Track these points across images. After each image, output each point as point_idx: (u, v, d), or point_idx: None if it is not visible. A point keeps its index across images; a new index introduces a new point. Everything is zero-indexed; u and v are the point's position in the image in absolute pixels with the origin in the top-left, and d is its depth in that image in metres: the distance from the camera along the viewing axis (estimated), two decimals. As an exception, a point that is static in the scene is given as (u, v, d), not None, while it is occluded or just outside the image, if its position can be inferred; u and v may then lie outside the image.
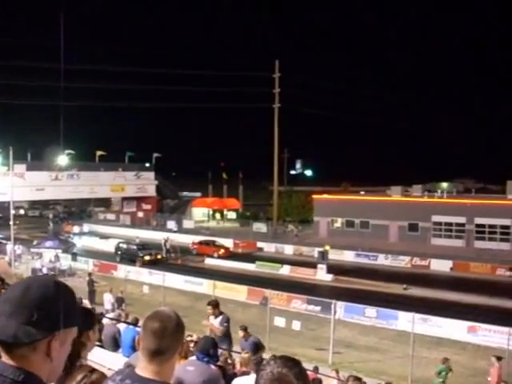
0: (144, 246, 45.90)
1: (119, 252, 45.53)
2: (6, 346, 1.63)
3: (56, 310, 1.67)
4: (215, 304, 12.83)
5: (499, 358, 16.83)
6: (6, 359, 1.65)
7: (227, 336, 12.94)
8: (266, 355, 12.08)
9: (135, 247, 45.38)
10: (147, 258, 43.08)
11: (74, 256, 40.75)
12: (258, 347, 13.17)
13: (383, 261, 44.44)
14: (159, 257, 44.54)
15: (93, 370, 3.29)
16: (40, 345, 1.65)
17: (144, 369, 2.30)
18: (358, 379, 10.48)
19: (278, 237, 57.54)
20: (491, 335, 22.52)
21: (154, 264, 40.97)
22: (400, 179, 68.27)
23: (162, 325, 2.31)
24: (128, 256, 43.74)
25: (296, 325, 23.71)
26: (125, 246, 46.40)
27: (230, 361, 10.89)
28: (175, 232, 58.44)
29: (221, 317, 12.68)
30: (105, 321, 14.13)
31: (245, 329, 13.69)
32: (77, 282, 34.53)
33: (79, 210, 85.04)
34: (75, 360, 3.28)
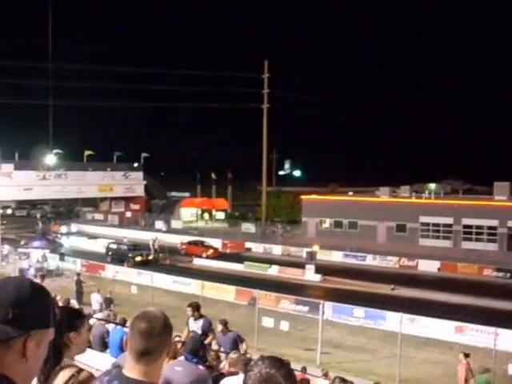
0: (135, 247, 45.35)
1: (110, 253, 44.80)
2: None
3: (31, 309, 1.68)
4: (196, 306, 12.55)
5: (466, 355, 17.17)
6: None
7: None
8: (254, 356, 12.06)
9: (126, 248, 44.75)
10: (138, 258, 42.71)
11: (62, 256, 40.55)
12: (237, 343, 12.91)
13: (371, 261, 44.58)
14: (150, 257, 44.13)
15: (80, 370, 3.27)
16: (15, 344, 1.65)
17: (131, 369, 2.30)
18: (344, 381, 10.51)
19: (266, 237, 57.59)
20: (478, 335, 22.66)
21: (144, 265, 40.55)
22: (388, 180, 68.50)
23: (150, 325, 2.31)
24: (119, 257, 43.20)
25: (284, 325, 23.72)
26: (115, 246, 45.71)
27: (215, 362, 10.86)
28: (165, 232, 58.24)
29: (201, 320, 12.40)
30: (93, 321, 14.09)
31: (224, 323, 13.34)
32: (64, 282, 34.43)
33: (67, 210, 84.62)
34: (58, 361, 3.26)
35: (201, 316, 12.42)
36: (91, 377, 3.22)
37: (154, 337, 2.29)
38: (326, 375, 15.64)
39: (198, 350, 5.37)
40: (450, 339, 23.25)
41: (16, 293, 1.68)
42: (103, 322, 13.90)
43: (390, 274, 40.34)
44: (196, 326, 12.12)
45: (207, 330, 12.23)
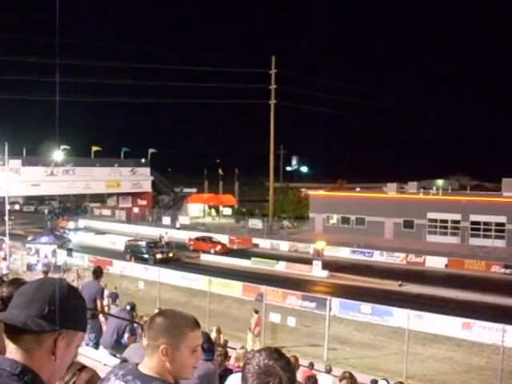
0: (155, 244, 44.74)
1: (128, 250, 43.63)
2: (13, 335, 1.68)
3: (66, 308, 1.73)
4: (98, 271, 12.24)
5: (256, 312, 22.72)
6: (8, 353, 1.69)
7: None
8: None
9: (145, 245, 43.77)
10: (159, 256, 41.98)
11: (70, 252, 40.62)
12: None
13: (378, 257, 44.49)
14: (171, 254, 43.44)
15: (82, 368, 3.22)
16: (46, 340, 1.69)
17: (145, 365, 2.30)
18: (352, 376, 10.52)
19: (273, 233, 57.56)
20: (486, 332, 22.57)
21: (166, 262, 40.03)
22: (395, 176, 68.33)
23: (164, 321, 2.32)
24: (138, 254, 42.23)
25: (291, 321, 23.73)
26: (134, 243, 44.83)
27: (218, 358, 10.85)
28: (179, 229, 58.13)
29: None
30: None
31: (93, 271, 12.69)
32: (72, 277, 34.49)
33: (74, 206, 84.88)
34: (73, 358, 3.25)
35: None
36: (95, 375, 3.20)
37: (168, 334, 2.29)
38: (329, 371, 15.64)
39: (202, 344, 5.36)
40: (457, 336, 23.20)
41: (53, 291, 1.74)
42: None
43: (397, 270, 40.25)
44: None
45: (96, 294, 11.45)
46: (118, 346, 9.64)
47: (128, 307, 12.39)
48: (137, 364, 2.37)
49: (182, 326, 2.35)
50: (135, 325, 11.46)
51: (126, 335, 9.94)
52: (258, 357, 1.85)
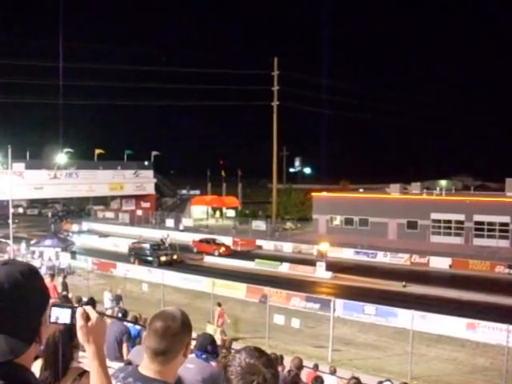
0: (159, 246, 44.49)
1: (132, 252, 43.33)
2: None
3: (33, 303, 1.65)
4: None
5: (219, 305, 24.08)
6: None
7: None
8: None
9: (149, 247, 43.37)
10: (163, 258, 41.68)
11: (73, 254, 40.64)
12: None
13: (382, 258, 44.42)
14: (175, 257, 43.04)
15: (82, 373, 3.21)
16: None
17: (146, 368, 2.29)
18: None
19: (276, 234, 57.47)
20: (490, 332, 22.53)
21: (170, 264, 39.96)
22: (399, 177, 68.31)
23: (164, 325, 2.29)
24: (142, 257, 42.02)
25: (295, 322, 23.75)
26: (138, 245, 44.52)
27: (222, 360, 10.84)
28: (182, 231, 58.03)
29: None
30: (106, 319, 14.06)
31: None
32: (75, 280, 34.57)
33: (78, 209, 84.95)
34: (69, 363, 3.26)
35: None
36: None
37: (169, 337, 2.27)
38: (333, 372, 15.61)
39: (206, 346, 5.35)
40: (461, 336, 23.17)
41: (15, 296, 1.60)
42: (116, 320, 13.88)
43: (401, 270, 40.19)
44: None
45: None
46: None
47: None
48: (137, 366, 2.37)
49: (186, 330, 2.39)
50: (138, 327, 11.46)
51: (125, 344, 9.89)
52: (238, 357, 1.84)
